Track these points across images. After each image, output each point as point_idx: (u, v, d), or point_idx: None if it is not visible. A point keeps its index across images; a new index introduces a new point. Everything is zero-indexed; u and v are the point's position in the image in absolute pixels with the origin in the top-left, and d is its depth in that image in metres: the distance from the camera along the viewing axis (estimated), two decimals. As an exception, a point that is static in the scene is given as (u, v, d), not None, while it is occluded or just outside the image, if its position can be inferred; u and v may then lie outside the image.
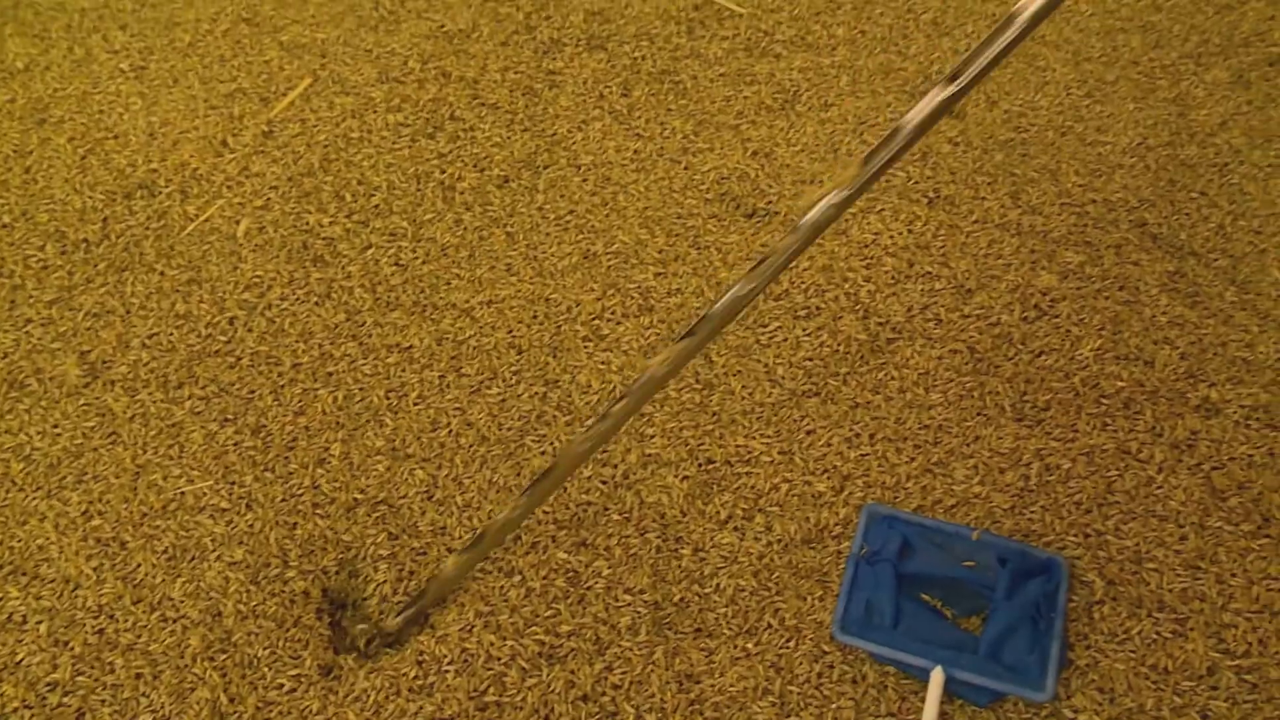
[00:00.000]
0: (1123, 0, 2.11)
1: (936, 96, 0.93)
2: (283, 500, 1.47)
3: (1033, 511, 1.42)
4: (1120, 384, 1.54)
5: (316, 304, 1.65)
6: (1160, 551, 1.36)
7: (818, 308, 1.63)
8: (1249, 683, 1.25)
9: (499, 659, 1.31)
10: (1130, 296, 1.65)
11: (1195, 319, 1.62)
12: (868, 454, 1.48)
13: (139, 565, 1.42)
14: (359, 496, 1.47)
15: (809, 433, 1.50)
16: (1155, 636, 1.29)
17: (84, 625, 1.37)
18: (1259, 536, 1.37)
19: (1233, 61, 1.98)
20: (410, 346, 1.61)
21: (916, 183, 1.80)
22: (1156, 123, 1.90)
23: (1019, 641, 1.25)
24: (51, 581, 1.41)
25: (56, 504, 1.47)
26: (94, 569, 1.41)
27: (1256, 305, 1.64)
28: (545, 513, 1.44)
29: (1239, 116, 1.90)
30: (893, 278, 1.66)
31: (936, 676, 1.22)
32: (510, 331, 1.62)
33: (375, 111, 1.87)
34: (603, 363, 1.58)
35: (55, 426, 1.53)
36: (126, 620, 1.37)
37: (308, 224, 1.73)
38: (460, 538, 1.43)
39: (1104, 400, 1.53)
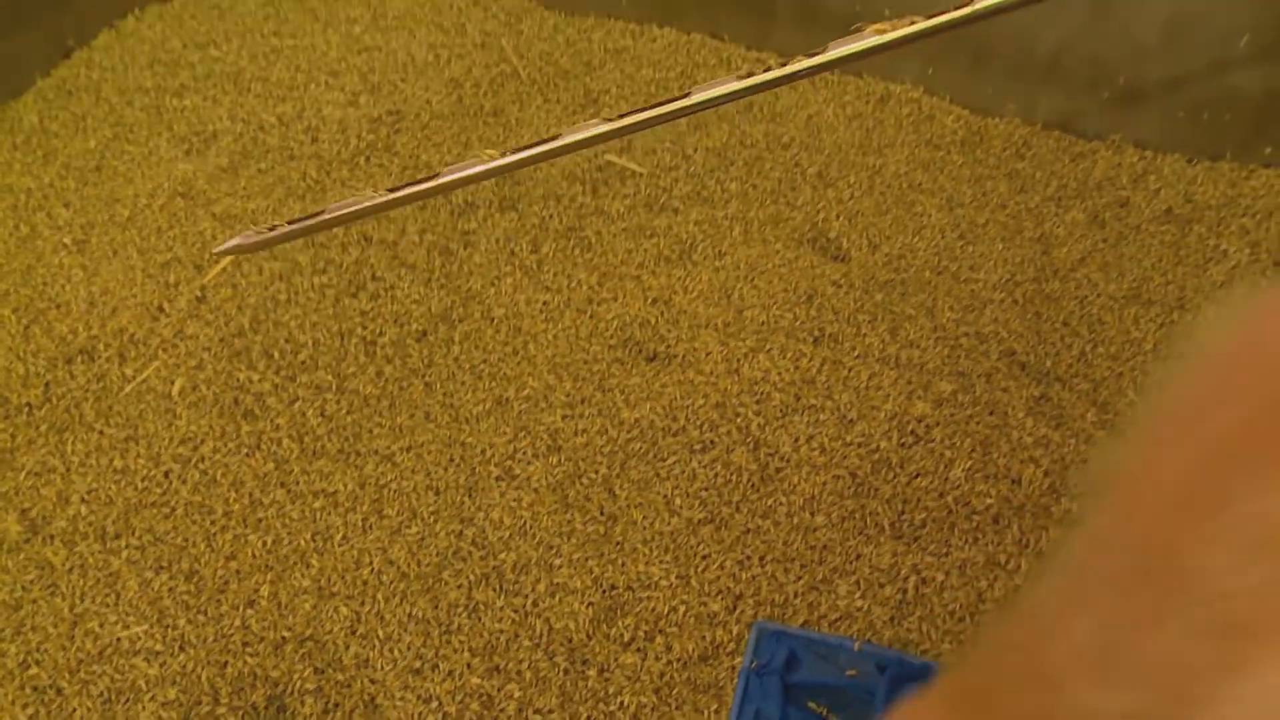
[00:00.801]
0: (990, 150, 2.34)
1: (597, 127, 1.10)
2: (214, 640, 1.58)
3: (910, 622, 1.56)
4: (989, 501, 1.71)
5: (247, 455, 1.78)
6: (1022, 652, 1.50)
7: (712, 441, 1.79)
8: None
9: (416, 780, 1.42)
10: (999, 420, 1.82)
11: (1059, 439, 1.79)
12: (758, 575, 1.62)
13: (74, 710, 1.51)
14: (286, 634, 1.58)
15: (704, 557, 1.64)
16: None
17: (22, 768, 1.46)
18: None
19: (1088, 204, 2.20)
20: (335, 491, 1.74)
21: (803, 323, 1.98)
22: (1023, 260, 2.10)
23: None
24: (-9, 729, 1.50)
25: (-3, 655, 1.57)
26: (29, 717, 1.51)
27: (1115, 424, 1.82)
28: (461, 641, 1.56)
29: (1095, 253, 2.11)
30: (781, 411, 1.83)
31: None
32: (428, 475, 1.76)
33: (302, 274, 2.03)
34: (515, 500, 1.72)
35: (-3, 581, 1.64)
36: (63, 761, 1.46)
37: (239, 381, 1.87)
38: (382, 669, 1.54)
39: (975, 516, 1.69)
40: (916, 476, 1.74)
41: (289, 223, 1.15)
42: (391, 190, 1.10)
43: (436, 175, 1.10)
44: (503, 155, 1.09)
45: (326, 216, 1.12)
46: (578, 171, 2.25)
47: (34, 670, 1.55)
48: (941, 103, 2.44)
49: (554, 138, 1.08)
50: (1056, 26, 2.24)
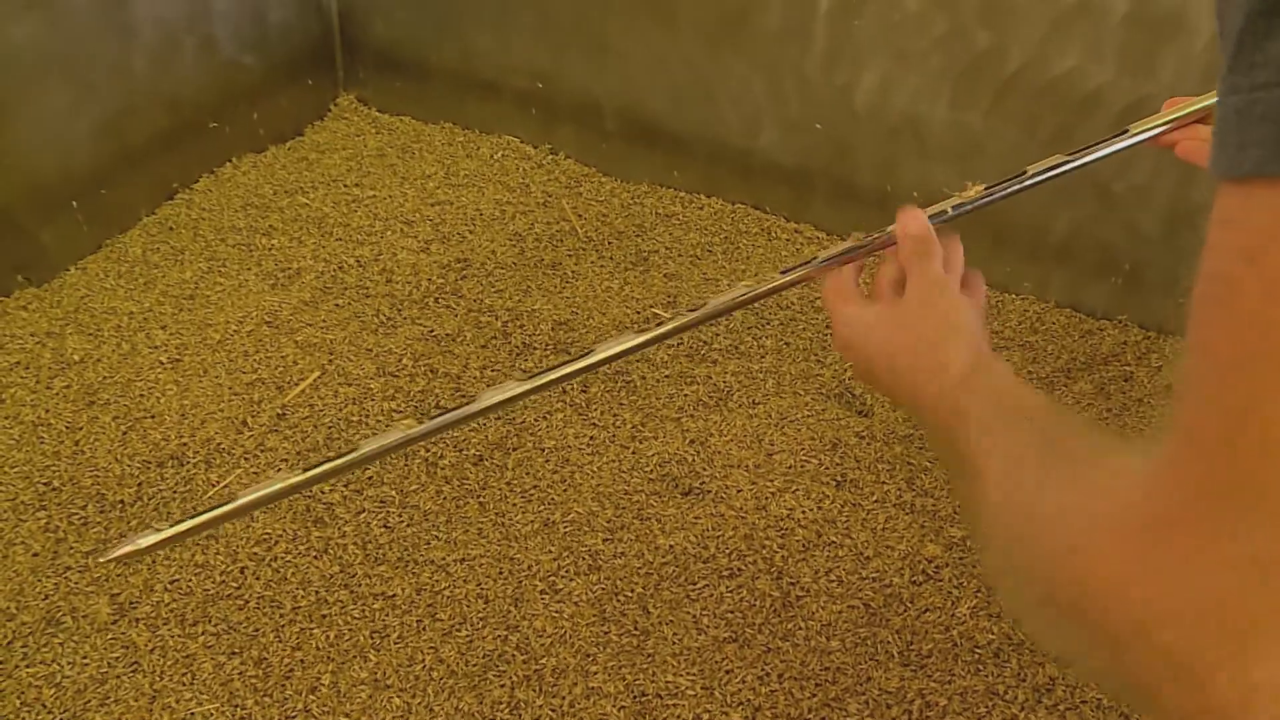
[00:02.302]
0: (1006, 323, 2.58)
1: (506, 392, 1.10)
2: (278, 721, 1.76)
3: (914, 740, 1.72)
4: (991, 636, 1.88)
5: (315, 557, 1.98)
6: (1016, 772, 1.67)
7: (739, 569, 1.98)
8: None
9: None
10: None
11: (1058, 585, 1.97)
12: (776, 690, 1.79)
13: (151, 775, 1.69)
14: (344, 719, 1.76)
15: (727, 672, 1.82)
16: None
17: (101, 824, 1.63)
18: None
19: (1095, 376, 2.43)
20: (394, 595, 1.93)
21: (827, 468, 2.19)
22: (1033, 423, 2.31)
23: None
24: (74, 788, 1.68)
25: (82, 723, 1.76)
26: (112, 777, 1.69)
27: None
28: (502, 735, 1.74)
29: (1102, 421, 2.32)
30: (803, 546, 2.02)
31: None
32: (479, 584, 1.95)
33: (373, 400, 2.27)
34: (557, 611, 1.91)
35: (85, 658, 1.83)
36: (139, 820, 1.63)
37: (311, 491, 2.09)
38: (428, 755, 1.72)
39: (977, 650, 1.86)
40: (925, 611, 1.92)
41: (177, 523, 1.08)
42: (305, 469, 1.07)
43: (353, 450, 1.08)
44: (420, 422, 1.07)
45: (225, 508, 1.07)
46: (626, 321, 2.50)
47: (116, 737, 1.74)
48: (962, 277, 2.69)
49: (471, 401, 1.07)
50: (1069, 212, 2.50)
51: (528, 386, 1.09)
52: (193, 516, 1.09)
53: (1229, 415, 0.44)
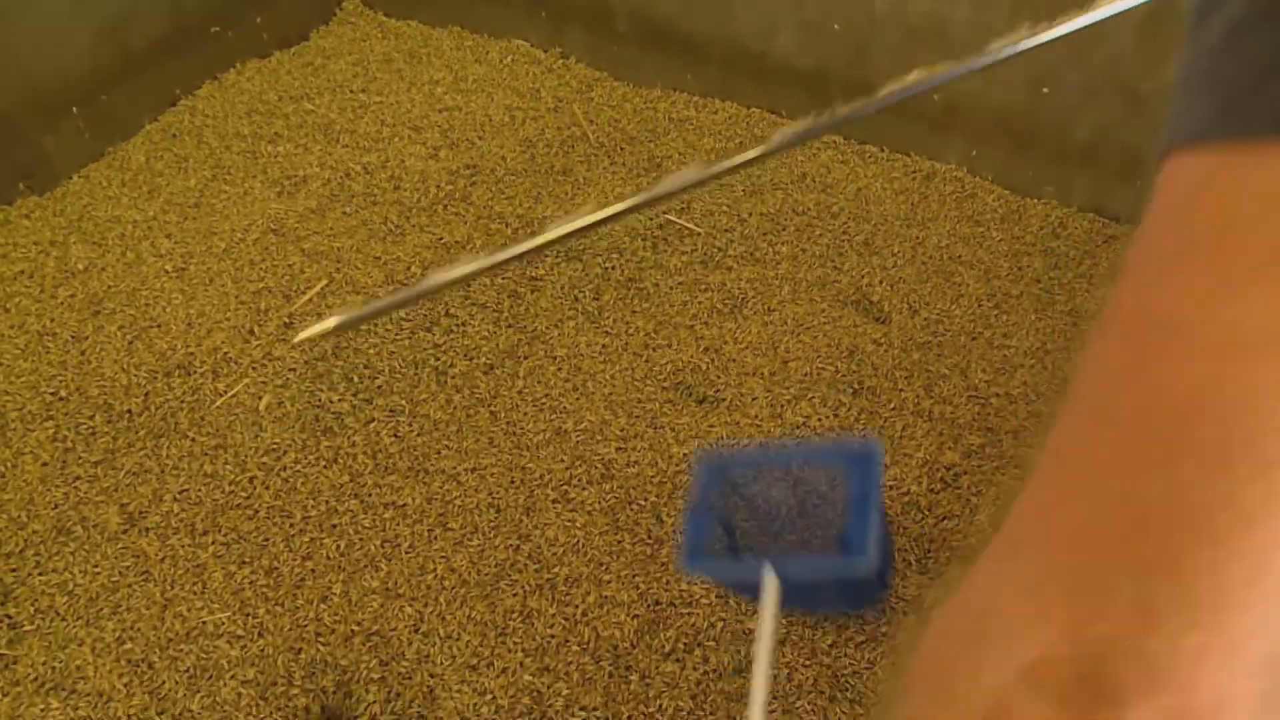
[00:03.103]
0: (1028, 228, 2.52)
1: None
2: (290, 629, 1.74)
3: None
4: (1010, 544, 1.85)
5: (325, 467, 1.96)
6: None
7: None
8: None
9: (470, 760, 1.57)
10: (1023, 474, 1.97)
11: (1078, 493, 1.94)
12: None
13: (164, 682, 1.68)
14: (355, 628, 1.75)
15: (742, 579, 1.80)
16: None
17: (115, 730, 1.63)
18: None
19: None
20: (404, 504, 1.91)
21: (844, 375, 2.14)
22: (1054, 330, 2.26)
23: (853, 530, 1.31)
24: (88, 696, 1.67)
25: (94, 631, 1.75)
26: (125, 685, 1.68)
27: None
28: (514, 643, 1.72)
29: (1123, 326, 2.26)
30: (819, 453, 1.99)
31: (769, 578, 1.22)
32: (490, 494, 1.93)
33: (382, 308, 2.23)
34: (569, 521, 1.88)
35: (96, 566, 1.82)
36: (152, 726, 1.63)
37: (320, 400, 2.06)
38: (441, 664, 1.70)
39: (995, 557, 1.83)
40: (943, 519, 1.89)
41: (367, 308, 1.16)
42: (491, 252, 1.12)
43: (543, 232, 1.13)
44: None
45: (413, 291, 1.13)
46: (639, 228, 2.44)
47: (129, 645, 1.73)
48: (983, 182, 2.62)
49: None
50: (1094, 116, 2.42)
51: (601, 215, 1.09)
52: (378, 300, 1.18)
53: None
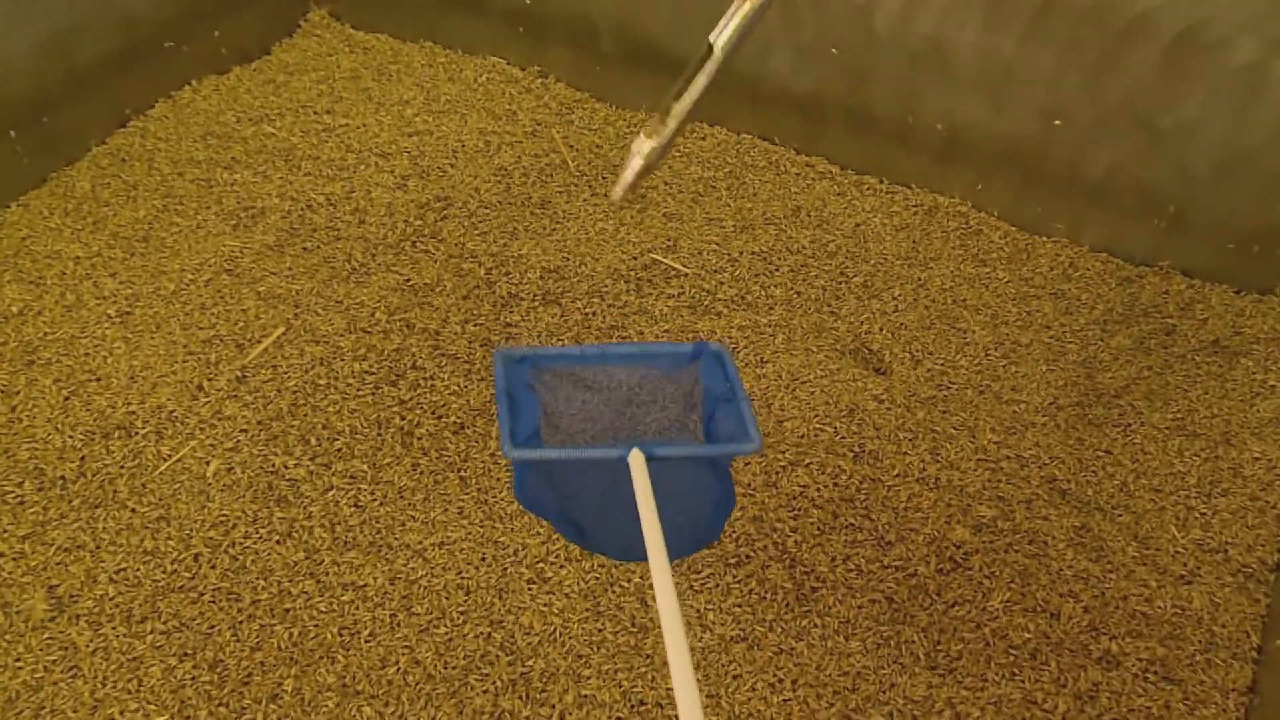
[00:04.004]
0: (1036, 269, 2.36)
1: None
2: (234, 736, 1.57)
3: (943, 758, 1.54)
4: (1027, 635, 1.69)
5: (278, 542, 1.78)
6: (1059, 799, 1.49)
7: (747, 556, 1.79)
8: None
9: None
10: (1039, 550, 1.81)
11: (1099, 573, 1.78)
12: (789, 699, 1.61)
13: (91, 798, 1.51)
14: (307, 733, 1.57)
15: (735, 678, 1.63)
16: None
17: None
18: (1150, 786, 1.50)
19: (1134, 329, 2.21)
20: (364, 585, 1.74)
21: (843, 437, 1.98)
22: (1066, 384, 2.10)
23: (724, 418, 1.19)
24: (5, 814, 1.50)
25: (15, 736, 1.57)
26: (47, 802, 1.50)
27: (1156, 561, 1.80)
28: (484, 752, 1.55)
29: (1140, 380, 2.11)
30: (818, 529, 1.82)
31: (636, 458, 1.10)
32: (459, 573, 1.76)
33: (342, 359, 2.05)
34: (545, 605, 1.71)
35: (18, 660, 1.63)
36: None
37: (274, 466, 1.88)
38: (402, 775, 1.53)
39: (1012, 651, 1.68)
40: (954, 605, 1.73)
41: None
42: None
43: None
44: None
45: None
46: (622, 269, 2.27)
47: (52, 756, 1.55)
48: (989, 218, 2.46)
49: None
50: (1108, 150, 2.26)
51: None
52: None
53: None
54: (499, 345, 1.47)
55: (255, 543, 1.78)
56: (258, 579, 1.74)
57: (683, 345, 1.24)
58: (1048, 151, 2.34)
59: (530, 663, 1.65)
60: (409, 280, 2.22)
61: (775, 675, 1.63)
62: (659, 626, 1.68)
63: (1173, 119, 2.17)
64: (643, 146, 1.14)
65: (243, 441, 1.91)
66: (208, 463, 1.88)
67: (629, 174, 1.16)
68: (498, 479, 1.88)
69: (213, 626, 1.68)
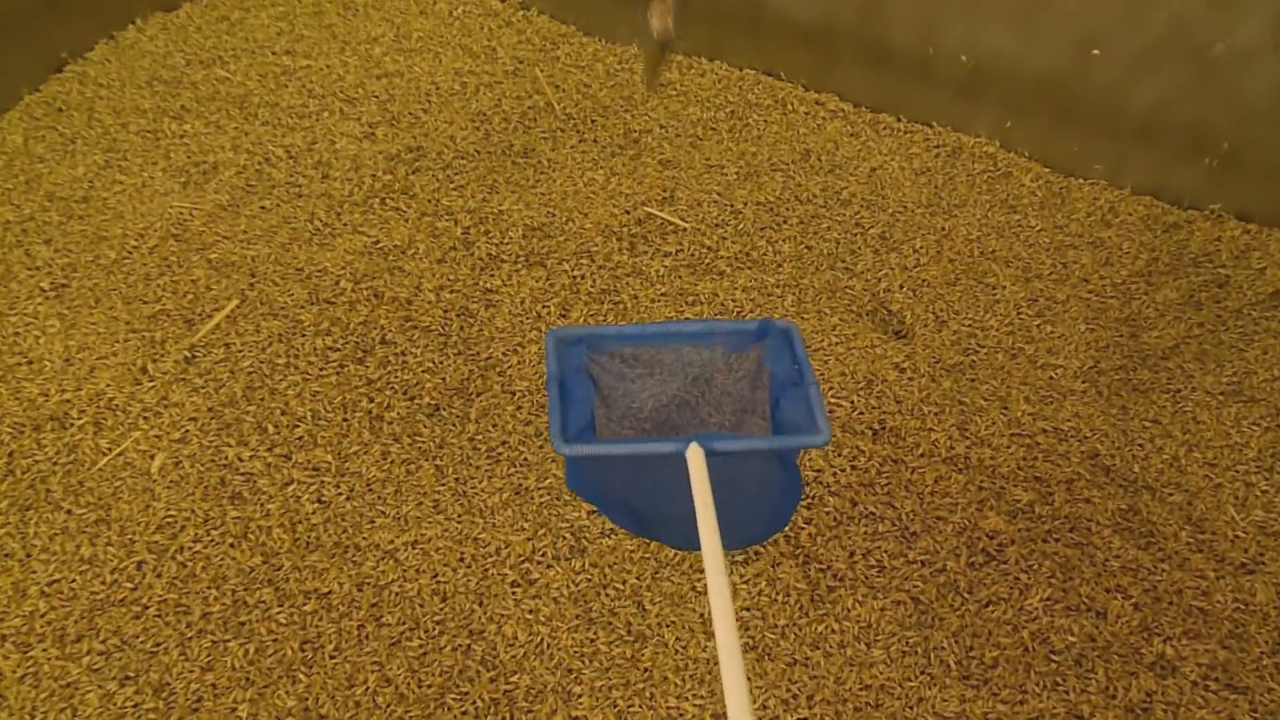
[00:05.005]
0: (1072, 215, 2.19)
1: None
2: (181, 772, 1.44)
3: (980, 784, 1.40)
4: (1071, 638, 1.55)
5: (232, 546, 1.64)
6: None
7: (756, 553, 1.64)
8: None
9: None
10: (1081, 539, 1.66)
11: (1149, 563, 1.63)
12: (805, 719, 1.47)
13: None
14: (264, 766, 1.44)
15: (745, 695, 1.49)
16: None
17: None
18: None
19: (1182, 282, 2.05)
20: (329, 593, 1.59)
21: (861, 413, 1.82)
22: (1108, 345, 1.94)
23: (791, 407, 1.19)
24: None
25: (-64, 776, 1.44)
26: None
27: (1213, 547, 1.66)
28: (462, 786, 1.42)
29: (1190, 340, 1.95)
30: (835, 519, 1.68)
31: (695, 453, 1.08)
32: (435, 576, 1.61)
33: (303, 335, 1.89)
34: (531, 612, 1.57)
35: (-58, 685, 1.50)
36: None
37: (226, 458, 1.73)
38: (370, 815, 1.40)
39: (1054, 657, 1.53)
40: (987, 605, 1.58)
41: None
42: None
43: None
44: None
45: None
46: (614, 225, 2.10)
47: (-24, 800, 1.42)
48: (1019, 159, 2.29)
49: None
50: (1153, 83, 2.08)
51: None
52: None
53: None
54: (552, 328, 1.36)
55: (206, 547, 1.64)
56: (209, 588, 1.59)
57: (747, 323, 1.24)
58: (1085, 84, 2.16)
59: (514, 679, 1.51)
60: (378, 242, 2.05)
61: (789, 690, 1.49)
62: (658, 635, 1.54)
63: (1226, 46, 1.99)
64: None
65: (191, 431, 1.76)
66: (152, 456, 1.73)
67: (650, 61, 1.12)
68: (477, 467, 1.73)
69: (158, 644, 1.54)
